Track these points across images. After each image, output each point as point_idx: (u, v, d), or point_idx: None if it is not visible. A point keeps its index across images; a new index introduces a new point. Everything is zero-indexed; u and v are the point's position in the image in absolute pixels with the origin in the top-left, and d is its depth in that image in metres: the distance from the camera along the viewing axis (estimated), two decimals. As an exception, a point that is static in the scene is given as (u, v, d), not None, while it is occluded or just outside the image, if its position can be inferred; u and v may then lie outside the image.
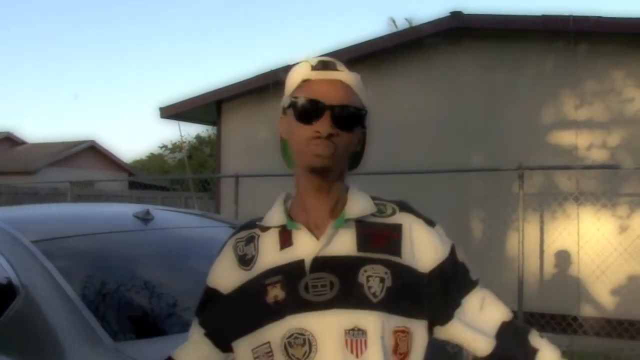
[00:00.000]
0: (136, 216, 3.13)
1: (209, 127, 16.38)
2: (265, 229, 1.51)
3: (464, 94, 8.82)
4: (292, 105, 1.46)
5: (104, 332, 2.31)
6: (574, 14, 7.83)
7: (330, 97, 1.42)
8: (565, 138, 8.14)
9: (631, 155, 7.59)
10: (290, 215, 1.48)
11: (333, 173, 1.44)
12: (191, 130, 32.32)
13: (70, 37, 75.66)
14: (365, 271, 1.41)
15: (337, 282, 1.39)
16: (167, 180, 24.60)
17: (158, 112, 11.80)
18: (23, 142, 30.24)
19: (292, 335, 1.37)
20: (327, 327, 1.36)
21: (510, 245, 7.91)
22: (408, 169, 7.83)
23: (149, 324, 2.68)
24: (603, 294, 7.74)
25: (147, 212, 3.16)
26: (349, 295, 1.38)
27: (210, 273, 1.57)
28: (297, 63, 1.52)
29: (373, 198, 1.54)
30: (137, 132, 72.60)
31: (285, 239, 1.46)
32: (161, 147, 34.57)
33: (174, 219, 3.64)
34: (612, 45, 7.95)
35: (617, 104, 7.90)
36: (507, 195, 7.47)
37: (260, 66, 35.73)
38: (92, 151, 28.11)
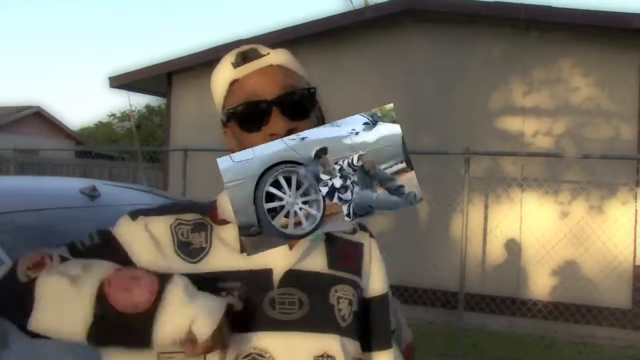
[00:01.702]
0: (83, 192, 3.07)
1: (159, 97, 16.14)
2: (221, 222, 1.28)
3: (415, 76, 8.87)
4: (231, 117, 1.24)
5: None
6: (525, 2, 7.94)
7: (270, 90, 1.21)
8: (513, 124, 8.28)
9: (575, 143, 7.78)
10: None
11: None
12: (141, 100, 31.79)
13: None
14: (336, 291, 1.26)
15: (307, 301, 1.22)
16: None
17: (107, 82, 11.58)
18: (-38, 105, 29.20)
19: (249, 355, 1.16)
20: (295, 352, 1.18)
21: (455, 227, 8.05)
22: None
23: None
24: (542, 277, 7.96)
25: (94, 189, 3.11)
26: (318, 317, 1.22)
27: (120, 227, 1.27)
28: (218, 63, 1.30)
29: None
30: (86, 100, 70.90)
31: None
32: (110, 116, 33.90)
33: (120, 195, 3.59)
34: (560, 35, 8.09)
35: (564, 92, 8.06)
36: (454, 178, 7.56)
37: (212, 39, 35.21)
38: (37, 117, 27.21)
